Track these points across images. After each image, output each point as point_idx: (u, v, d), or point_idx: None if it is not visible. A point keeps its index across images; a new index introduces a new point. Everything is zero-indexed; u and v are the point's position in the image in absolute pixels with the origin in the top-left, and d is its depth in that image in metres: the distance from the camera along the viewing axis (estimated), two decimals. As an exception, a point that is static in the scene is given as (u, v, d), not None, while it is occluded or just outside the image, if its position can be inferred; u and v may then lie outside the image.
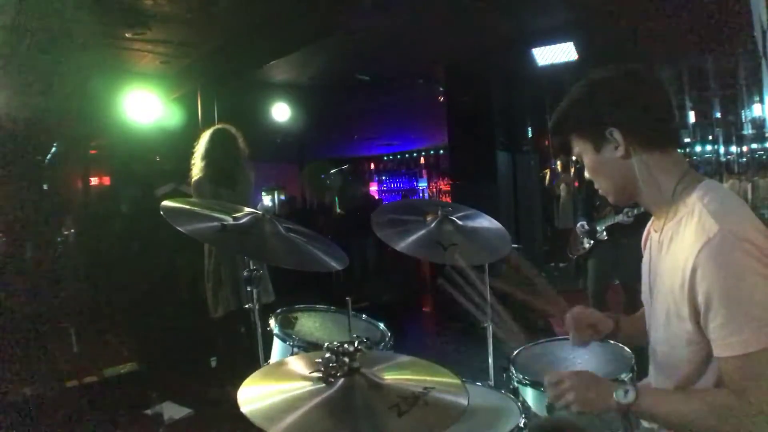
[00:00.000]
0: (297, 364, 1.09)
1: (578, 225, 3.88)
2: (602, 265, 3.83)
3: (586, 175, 1.30)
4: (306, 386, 0.98)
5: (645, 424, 1.25)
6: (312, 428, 0.90)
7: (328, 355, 0.99)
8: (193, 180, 3.45)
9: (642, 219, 3.42)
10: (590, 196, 3.89)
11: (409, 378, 1.06)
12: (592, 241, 3.81)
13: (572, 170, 7.44)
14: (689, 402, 1.10)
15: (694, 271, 1.04)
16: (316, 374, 0.99)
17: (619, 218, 3.56)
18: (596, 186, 1.29)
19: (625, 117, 1.16)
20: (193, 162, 3.49)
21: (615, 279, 3.94)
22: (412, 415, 0.93)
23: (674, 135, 1.23)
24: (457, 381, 1.08)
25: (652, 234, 1.28)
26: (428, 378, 1.07)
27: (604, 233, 3.72)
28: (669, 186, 1.17)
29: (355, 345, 1.00)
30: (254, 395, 0.98)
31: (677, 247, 1.13)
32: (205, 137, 3.49)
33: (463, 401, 1.01)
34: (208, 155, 3.42)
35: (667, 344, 1.18)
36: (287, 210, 10.07)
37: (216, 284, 3.45)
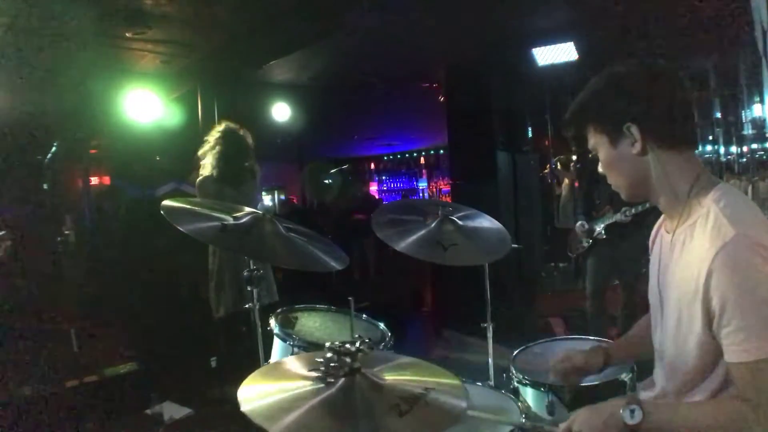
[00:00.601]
0: (297, 363, 1.09)
1: (578, 224, 3.88)
2: (601, 264, 3.84)
3: (599, 169, 1.28)
4: (306, 386, 0.98)
5: None
6: (312, 428, 0.90)
7: (329, 354, 0.99)
8: (198, 179, 3.44)
9: (641, 218, 3.43)
10: (589, 195, 3.89)
11: (409, 378, 1.05)
12: (590, 240, 3.81)
13: (572, 169, 7.44)
14: (698, 414, 1.08)
15: (708, 275, 1.03)
16: (316, 374, 0.99)
17: (617, 217, 3.56)
18: (609, 181, 1.27)
19: (645, 113, 1.14)
20: (201, 157, 3.46)
21: (614, 279, 3.94)
22: (412, 416, 0.93)
23: (692, 135, 1.21)
24: (457, 382, 1.08)
25: (663, 234, 1.26)
26: (428, 378, 1.07)
27: (603, 233, 3.72)
28: (684, 187, 1.15)
29: (357, 345, 1.00)
30: (254, 394, 0.98)
31: (691, 250, 1.11)
32: (214, 135, 3.46)
33: (463, 402, 1.01)
34: (217, 153, 3.40)
35: (675, 346, 1.18)
36: (287, 210, 10.08)
37: (219, 284, 3.45)
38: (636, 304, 3.66)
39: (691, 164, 1.17)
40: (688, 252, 1.12)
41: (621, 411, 1.10)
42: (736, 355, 1.02)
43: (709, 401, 1.11)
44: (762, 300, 0.99)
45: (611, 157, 1.21)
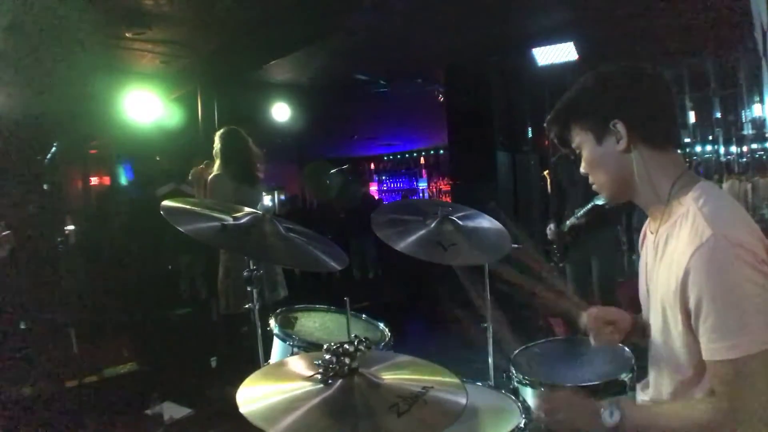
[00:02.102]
0: (296, 364, 1.09)
1: (547, 228, 3.87)
2: (578, 267, 3.82)
3: (581, 169, 1.29)
4: (305, 387, 0.98)
5: None
6: (311, 429, 0.90)
7: (327, 356, 0.99)
8: (209, 177, 3.48)
9: (601, 217, 3.46)
10: (557, 197, 3.89)
11: (407, 377, 1.05)
12: (563, 245, 3.81)
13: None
14: (676, 415, 1.10)
15: (686, 274, 1.04)
16: (315, 375, 0.99)
17: (571, 221, 3.58)
18: (591, 180, 1.28)
19: (631, 110, 1.16)
20: (205, 162, 3.57)
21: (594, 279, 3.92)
22: (411, 415, 0.93)
23: (675, 135, 1.24)
24: (455, 380, 1.08)
25: (648, 235, 1.28)
26: (427, 377, 1.07)
27: (569, 237, 3.73)
28: (665, 185, 1.17)
29: (355, 345, 1.00)
30: (253, 396, 0.98)
31: (671, 249, 1.12)
32: (218, 138, 3.57)
33: (462, 400, 1.01)
34: (224, 155, 3.49)
35: (664, 347, 1.18)
36: (288, 210, 10.08)
37: (236, 281, 3.43)
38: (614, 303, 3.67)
39: (674, 163, 1.19)
40: (670, 252, 1.13)
41: (602, 412, 1.12)
42: (712, 353, 1.03)
43: (686, 401, 1.13)
44: (737, 299, 1.00)
45: (596, 154, 1.22)
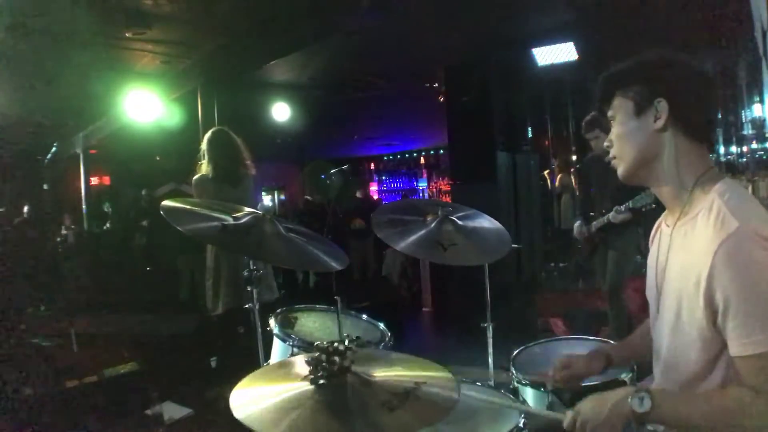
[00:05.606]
0: (289, 366, 1.10)
1: (575, 226, 3.89)
2: (600, 260, 3.84)
3: (606, 143, 1.27)
4: (298, 388, 0.98)
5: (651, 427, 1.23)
6: (306, 429, 0.90)
7: (318, 354, 0.99)
8: (194, 177, 3.51)
9: (637, 216, 3.44)
10: (587, 197, 3.90)
11: (399, 374, 1.05)
12: (593, 241, 3.82)
13: (571, 171, 7.43)
14: (708, 402, 1.08)
15: (711, 268, 1.02)
16: (307, 375, 0.99)
17: (610, 216, 3.55)
18: (613, 153, 1.25)
19: (679, 94, 1.15)
20: (199, 162, 3.59)
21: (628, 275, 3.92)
22: (404, 410, 0.93)
23: (712, 135, 1.23)
24: (447, 374, 1.08)
25: (663, 228, 1.26)
26: (419, 373, 1.07)
27: (598, 238, 3.74)
28: (690, 177, 1.16)
29: (346, 343, 1.00)
30: (247, 399, 0.98)
31: (692, 243, 1.11)
32: (205, 138, 3.58)
33: (455, 394, 1.01)
34: (208, 155, 3.50)
35: (674, 342, 1.17)
36: (287, 210, 10.08)
37: (216, 281, 3.46)
38: (624, 305, 3.68)
39: (703, 159, 1.18)
40: (690, 244, 1.12)
41: (630, 399, 1.09)
42: (742, 348, 1.01)
43: (715, 390, 1.10)
44: (766, 292, 0.99)
45: (629, 125, 1.20)
